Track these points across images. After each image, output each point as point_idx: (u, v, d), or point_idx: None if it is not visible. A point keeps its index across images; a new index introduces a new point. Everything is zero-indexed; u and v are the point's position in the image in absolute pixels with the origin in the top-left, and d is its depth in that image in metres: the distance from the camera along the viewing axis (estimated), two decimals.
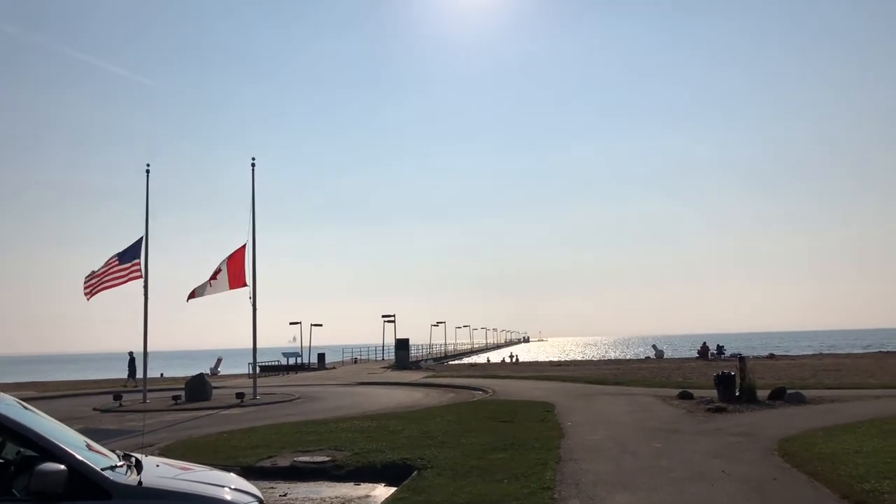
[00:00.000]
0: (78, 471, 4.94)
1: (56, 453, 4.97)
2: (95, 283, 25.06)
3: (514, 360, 68.36)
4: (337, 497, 10.04)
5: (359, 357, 64.44)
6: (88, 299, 25.10)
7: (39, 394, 31.93)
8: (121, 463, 5.51)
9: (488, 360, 70.63)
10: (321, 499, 9.94)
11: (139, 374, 32.70)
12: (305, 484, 10.97)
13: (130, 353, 39.65)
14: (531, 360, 69.99)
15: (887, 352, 60.19)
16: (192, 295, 25.92)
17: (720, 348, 57.04)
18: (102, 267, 25.25)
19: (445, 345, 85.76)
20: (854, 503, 8.04)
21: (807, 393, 19.65)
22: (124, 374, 41.22)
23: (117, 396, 25.72)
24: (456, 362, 69.58)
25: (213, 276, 25.77)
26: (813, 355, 57.47)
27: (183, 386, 27.30)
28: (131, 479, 5.24)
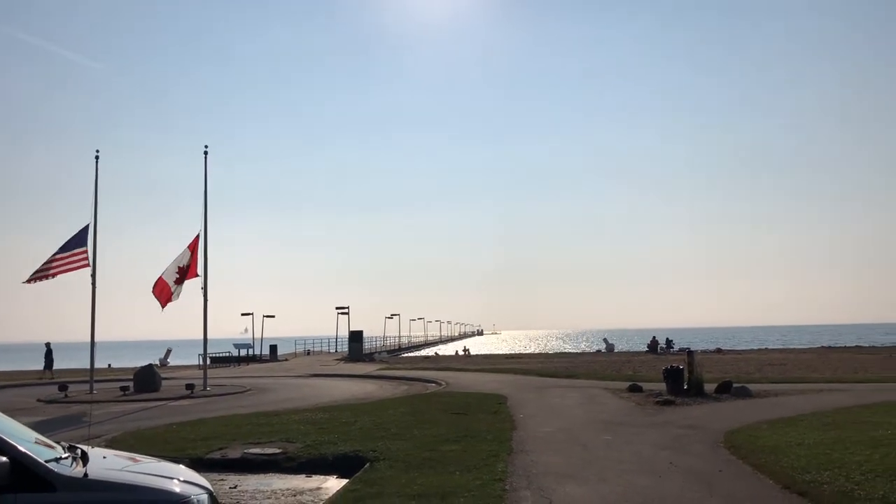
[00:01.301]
0: (21, 463, 4.84)
1: None
2: (39, 272, 24.38)
3: (465, 352, 68.63)
4: (288, 489, 9.98)
5: (312, 349, 64.03)
6: (30, 283, 24.39)
7: None
8: (66, 455, 5.41)
9: (436, 354, 70.69)
10: (272, 491, 9.87)
11: (83, 365, 31.76)
12: (256, 476, 10.88)
13: (48, 345, 37.55)
14: (485, 353, 70.35)
15: (829, 347, 62.00)
16: (168, 300, 25.52)
17: (669, 342, 58.11)
18: (62, 257, 24.61)
19: (399, 337, 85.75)
20: (795, 493, 8.27)
21: (752, 387, 20.12)
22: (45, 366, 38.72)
23: (62, 387, 25.13)
24: (410, 355, 69.57)
25: (181, 274, 25.48)
26: (759, 350, 58.90)
27: (131, 377, 26.83)
28: (76, 470, 5.14)
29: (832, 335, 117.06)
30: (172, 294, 25.46)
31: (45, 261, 24.24)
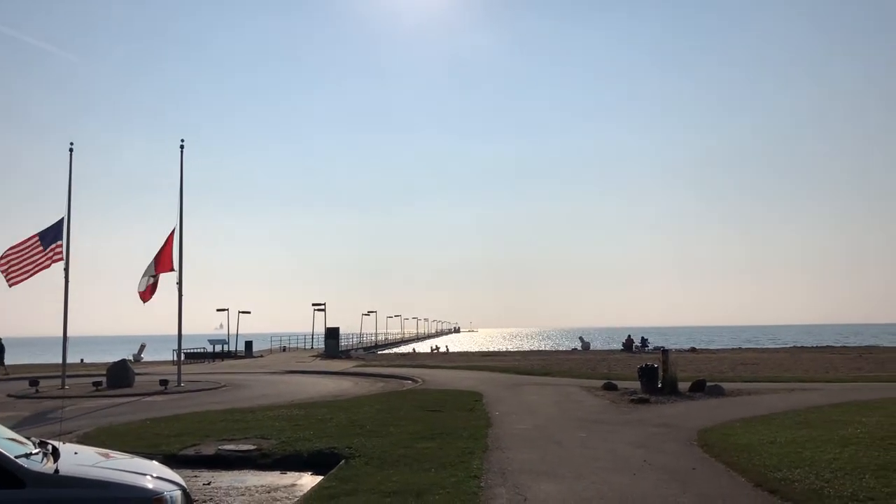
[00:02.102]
0: None
1: None
2: (17, 268, 23.88)
3: (440, 349, 68.69)
4: (263, 486, 9.93)
5: (288, 345, 63.75)
6: (11, 285, 23.96)
7: None
8: (36, 450, 5.35)
9: (414, 350, 70.72)
10: (246, 487, 9.82)
11: (57, 360, 31.39)
12: (230, 473, 10.81)
13: None
14: (462, 350, 70.45)
15: (801, 347, 62.81)
16: (148, 295, 25.35)
17: (644, 341, 58.51)
18: (21, 247, 24.07)
19: (376, 334, 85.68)
20: (766, 491, 8.37)
21: (726, 386, 20.34)
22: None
23: (33, 382, 24.81)
24: (387, 352, 69.50)
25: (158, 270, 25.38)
26: (732, 349, 59.53)
27: (104, 372, 26.53)
28: (47, 466, 5.09)
29: (805, 335, 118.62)
30: (150, 288, 25.30)
31: (14, 251, 23.76)
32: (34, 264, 23.74)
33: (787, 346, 68.44)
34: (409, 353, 61.67)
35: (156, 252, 25.60)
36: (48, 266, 24.10)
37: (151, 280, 25.34)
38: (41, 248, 23.94)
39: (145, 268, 25.49)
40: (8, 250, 23.73)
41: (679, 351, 50.44)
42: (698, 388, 19.59)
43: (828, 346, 62.51)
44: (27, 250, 23.82)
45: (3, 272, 23.59)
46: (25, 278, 23.67)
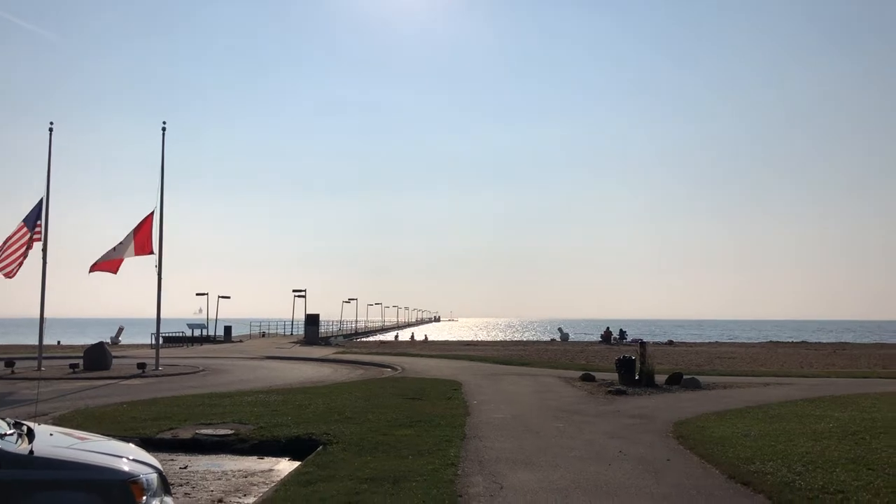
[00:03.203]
0: None
1: None
2: (10, 259, 23.62)
3: (413, 338, 68.78)
4: (239, 470, 9.92)
5: (267, 331, 63.53)
6: (10, 278, 23.74)
7: None
8: (10, 431, 5.32)
9: (396, 338, 70.86)
10: (223, 472, 9.81)
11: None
12: (207, 457, 10.80)
13: None
14: (442, 339, 70.57)
15: (777, 342, 63.50)
16: (99, 267, 24.96)
17: (623, 333, 58.83)
18: (13, 238, 23.80)
19: (356, 322, 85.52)
20: (739, 483, 8.48)
21: (702, 379, 20.54)
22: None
23: (9, 363, 24.60)
24: (367, 339, 69.49)
25: (122, 249, 25.02)
26: (709, 343, 60.06)
27: (81, 354, 26.34)
28: (21, 448, 5.06)
29: (780, 331, 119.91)
30: (103, 265, 24.96)
31: (9, 242, 23.54)
32: (24, 248, 23.56)
33: (763, 341, 69.16)
34: (389, 342, 61.70)
35: (125, 233, 25.31)
36: (31, 247, 23.85)
37: (114, 256, 24.99)
38: (27, 231, 23.74)
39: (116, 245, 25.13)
40: (3, 244, 23.52)
41: (656, 344, 50.79)
42: (675, 380, 19.77)
43: (803, 342, 63.23)
44: (17, 239, 23.62)
45: (5, 270, 23.37)
46: (19, 267, 23.50)
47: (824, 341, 65.96)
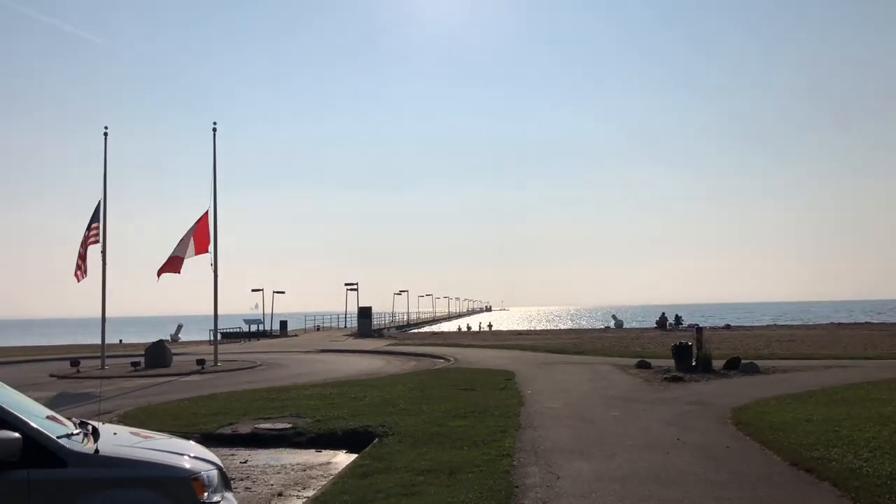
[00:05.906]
0: (33, 438, 4.89)
1: (10, 421, 4.91)
2: (78, 261, 24.91)
3: (480, 327, 68.77)
4: (298, 464, 10.07)
5: (321, 325, 64.32)
6: (80, 280, 24.97)
7: None
8: (77, 431, 5.46)
9: (468, 327, 70.90)
10: (282, 465, 9.96)
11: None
12: (266, 451, 10.98)
13: None
14: (496, 328, 70.48)
15: (839, 324, 61.82)
16: (165, 269, 25.60)
17: (678, 319, 57.94)
18: (85, 242, 25.06)
19: (408, 313, 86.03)
20: (803, 470, 8.27)
21: (760, 363, 20.11)
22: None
23: (74, 363, 25.36)
24: (418, 330, 69.82)
25: (182, 249, 25.64)
26: (767, 326, 58.82)
27: (142, 352, 27.02)
28: (88, 447, 5.19)
29: (843, 312, 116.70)
30: (170, 267, 25.59)
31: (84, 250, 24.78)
32: (83, 250, 24.80)
33: (825, 322, 67.41)
34: (440, 332, 61.86)
35: (182, 233, 25.88)
36: (87, 249, 24.77)
37: (176, 255, 25.59)
38: (86, 231, 24.87)
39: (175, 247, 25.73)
40: (80, 247, 24.74)
41: (713, 328, 49.93)
42: (733, 365, 19.41)
43: (866, 323, 61.47)
44: (82, 244, 24.92)
45: (79, 270, 24.60)
46: (82, 270, 24.73)
47: (888, 321, 64.00)
